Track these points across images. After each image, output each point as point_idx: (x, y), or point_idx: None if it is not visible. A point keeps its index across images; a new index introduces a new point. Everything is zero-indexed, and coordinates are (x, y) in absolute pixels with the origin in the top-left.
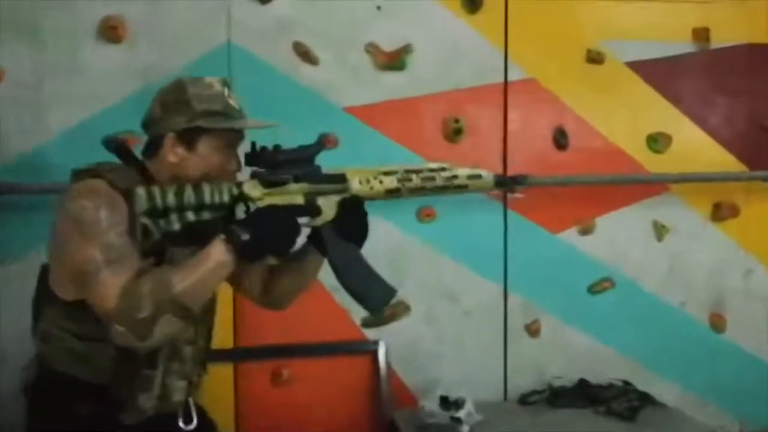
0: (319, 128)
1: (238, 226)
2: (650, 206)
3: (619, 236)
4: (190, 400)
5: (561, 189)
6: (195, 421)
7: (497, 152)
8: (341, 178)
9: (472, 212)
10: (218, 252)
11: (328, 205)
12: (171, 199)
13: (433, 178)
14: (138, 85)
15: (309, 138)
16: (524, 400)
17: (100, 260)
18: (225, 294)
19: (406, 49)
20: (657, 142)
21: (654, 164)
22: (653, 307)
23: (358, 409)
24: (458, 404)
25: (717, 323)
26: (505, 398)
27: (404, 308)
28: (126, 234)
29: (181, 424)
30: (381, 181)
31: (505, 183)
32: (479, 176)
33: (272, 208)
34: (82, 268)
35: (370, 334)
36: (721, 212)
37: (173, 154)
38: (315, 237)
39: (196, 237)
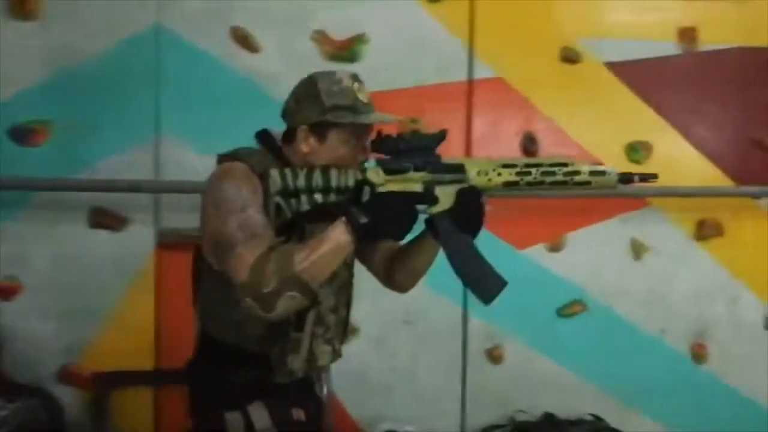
0: (257, 123)
1: (358, 209)
2: (628, 222)
3: (592, 254)
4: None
5: (528, 201)
6: (325, 390)
7: (459, 155)
8: (460, 169)
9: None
10: (338, 233)
11: (446, 195)
12: (301, 181)
13: (553, 173)
14: (52, 68)
15: (245, 132)
16: None
17: (238, 236)
18: (146, 316)
19: (358, 39)
20: (637, 151)
21: None
22: (629, 334)
23: None
24: None
25: (699, 354)
26: (462, 431)
27: (351, 330)
28: (262, 212)
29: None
30: (499, 174)
31: (630, 179)
32: (603, 173)
33: (391, 194)
34: (221, 241)
35: None
36: (705, 230)
37: (305, 144)
38: (431, 225)
39: (323, 217)
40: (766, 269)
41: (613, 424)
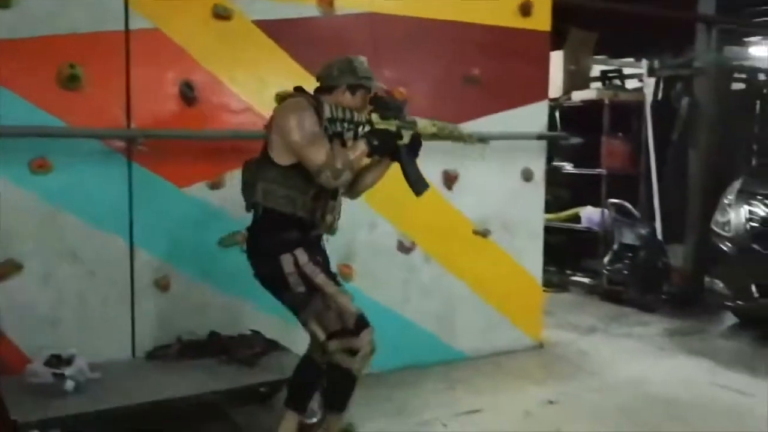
0: None
1: (370, 134)
2: None
3: None
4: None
5: (189, 143)
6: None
7: (120, 104)
8: (414, 122)
9: (92, 164)
10: (362, 144)
11: (407, 134)
12: (339, 113)
13: (452, 132)
14: None
15: None
16: (152, 355)
17: (314, 139)
18: None
19: None
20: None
21: None
22: None
23: None
24: (69, 362)
25: (346, 273)
26: (134, 355)
27: (13, 267)
28: (318, 127)
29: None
30: (433, 126)
31: (483, 140)
32: (470, 135)
33: (383, 130)
34: (304, 144)
35: None
36: None
37: (342, 96)
38: (395, 150)
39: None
40: (397, 202)
41: (271, 336)
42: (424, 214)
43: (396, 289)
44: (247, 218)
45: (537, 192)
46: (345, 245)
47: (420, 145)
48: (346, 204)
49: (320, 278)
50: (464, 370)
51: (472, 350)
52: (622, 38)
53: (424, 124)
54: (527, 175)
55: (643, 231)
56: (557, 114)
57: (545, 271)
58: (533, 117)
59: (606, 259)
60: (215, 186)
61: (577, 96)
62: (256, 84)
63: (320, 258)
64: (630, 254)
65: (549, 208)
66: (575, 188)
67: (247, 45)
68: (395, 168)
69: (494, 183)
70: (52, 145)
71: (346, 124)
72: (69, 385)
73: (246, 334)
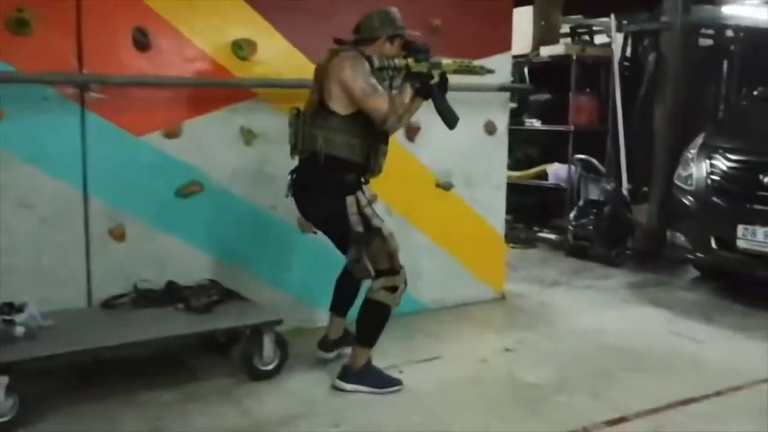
0: None
1: (411, 78)
2: (237, 111)
3: (206, 140)
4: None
5: (144, 91)
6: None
7: (71, 49)
8: (440, 63)
9: (45, 111)
10: (408, 88)
11: (436, 74)
12: (385, 62)
13: (471, 67)
14: None
15: None
16: (108, 303)
17: (375, 88)
18: None
19: None
20: (242, 48)
21: (240, 70)
22: (244, 210)
23: None
24: (21, 309)
25: (305, 225)
26: (89, 304)
27: None
28: (374, 78)
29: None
30: (455, 63)
31: (490, 70)
32: (482, 67)
33: (420, 73)
34: (366, 92)
35: None
36: None
37: (383, 46)
38: (427, 88)
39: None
40: None
41: (236, 287)
42: (386, 166)
43: None
44: (209, 167)
45: (500, 145)
46: None
47: (447, 81)
48: None
49: (377, 220)
50: (426, 320)
51: (435, 302)
52: None
53: (447, 63)
54: (490, 128)
55: (608, 186)
56: (526, 70)
57: (513, 228)
58: (496, 69)
59: (572, 215)
60: (171, 135)
61: (546, 51)
62: (211, 32)
63: (370, 201)
64: (595, 210)
65: (518, 165)
66: (544, 145)
67: None
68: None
69: (457, 136)
70: (2, 92)
71: (391, 72)
72: (19, 331)
73: (204, 283)
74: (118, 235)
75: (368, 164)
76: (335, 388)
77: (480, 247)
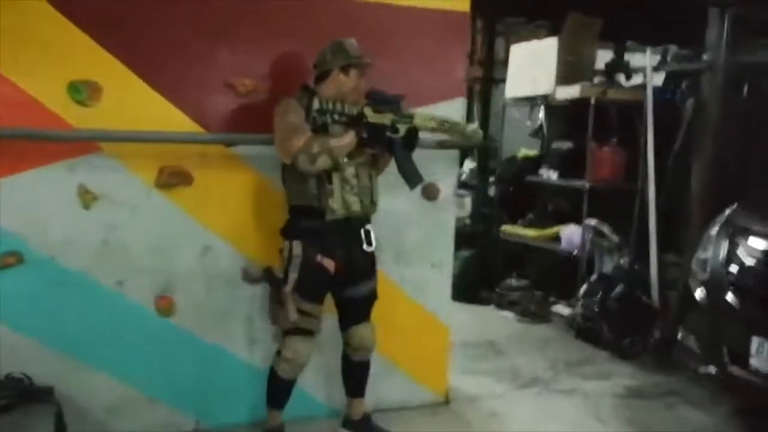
0: None
1: (360, 127)
2: (74, 168)
3: (29, 202)
4: (369, 227)
5: None
6: (373, 245)
7: None
8: (411, 116)
9: None
10: (350, 136)
11: (402, 128)
12: (329, 106)
13: (451, 127)
14: None
15: None
16: None
17: (292, 130)
18: None
19: None
20: (80, 92)
21: (80, 119)
22: (81, 287)
23: None
24: None
25: (164, 306)
26: None
27: None
28: (304, 121)
29: (364, 246)
30: (431, 120)
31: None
32: (466, 126)
33: (376, 124)
34: (286, 134)
35: None
36: (168, 178)
37: (338, 78)
38: (390, 143)
39: (345, 127)
40: (240, 220)
41: (65, 382)
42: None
43: (238, 330)
44: (33, 235)
45: (443, 214)
46: (162, 270)
47: (416, 138)
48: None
49: (292, 277)
50: (327, 429)
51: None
52: (627, 25)
53: (423, 119)
54: (430, 193)
55: (621, 260)
56: (541, 113)
57: (528, 297)
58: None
59: (581, 291)
60: None
61: (561, 94)
62: (42, 72)
63: (327, 253)
64: (604, 287)
65: (545, 221)
66: (564, 202)
67: (31, 25)
68: (226, 177)
69: (385, 201)
70: None
71: (336, 116)
72: None
73: (17, 377)
74: None
75: (324, 205)
76: None
77: (414, 340)
